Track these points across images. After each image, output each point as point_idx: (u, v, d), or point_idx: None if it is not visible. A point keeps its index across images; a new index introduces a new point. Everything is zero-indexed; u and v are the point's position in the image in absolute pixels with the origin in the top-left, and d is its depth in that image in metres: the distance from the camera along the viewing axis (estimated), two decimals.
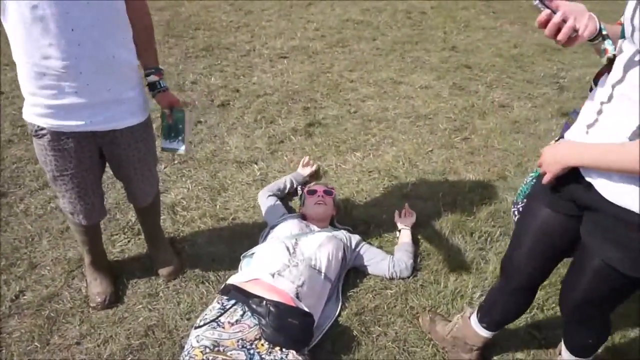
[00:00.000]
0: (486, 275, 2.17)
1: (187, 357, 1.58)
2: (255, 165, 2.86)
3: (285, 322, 1.67)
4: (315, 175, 2.77)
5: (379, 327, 1.94)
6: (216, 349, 1.58)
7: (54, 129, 1.58)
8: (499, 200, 2.65)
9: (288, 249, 1.96)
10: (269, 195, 2.47)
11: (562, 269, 2.18)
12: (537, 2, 1.04)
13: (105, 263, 2.10)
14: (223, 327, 1.66)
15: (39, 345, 1.82)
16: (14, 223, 2.38)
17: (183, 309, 1.98)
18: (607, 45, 1.06)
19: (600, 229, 1.18)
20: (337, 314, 1.96)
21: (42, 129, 1.59)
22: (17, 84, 1.58)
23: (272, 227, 2.20)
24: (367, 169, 2.87)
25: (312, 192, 2.31)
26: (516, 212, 1.78)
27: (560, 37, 1.04)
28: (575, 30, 1.03)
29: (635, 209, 1.07)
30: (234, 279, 1.90)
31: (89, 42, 1.47)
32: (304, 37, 4.71)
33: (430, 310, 2.00)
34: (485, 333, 1.72)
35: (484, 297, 2.05)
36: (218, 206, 2.55)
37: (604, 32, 1.07)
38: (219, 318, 1.70)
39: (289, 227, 2.12)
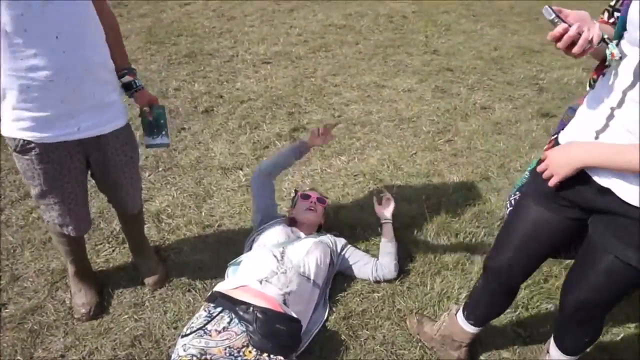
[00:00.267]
0: (472, 276, 2.20)
1: None
2: (241, 171, 2.86)
3: (273, 328, 1.67)
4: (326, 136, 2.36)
5: (366, 330, 1.95)
6: (203, 357, 1.57)
7: (43, 141, 1.55)
8: (483, 201, 2.68)
9: (276, 257, 1.95)
10: (266, 180, 2.32)
11: (545, 267, 2.23)
12: (554, 16, 1.04)
13: (90, 273, 2.08)
14: (210, 335, 1.65)
15: None
16: None
17: (170, 318, 1.96)
18: (613, 49, 1.06)
19: (613, 229, 1.20)
20: (325, 318, 1.97)
21: (29, 143, 1.55)
22: None
23: (258, 233, 2.19)
24: (352, 172, 2.89)
25: (306, 197, 2.30)
26: (508, 205, 1.80)
27: (576, 50, 1.04)
28: (590, 42, 1.04)
29: None
30: (221, 286, 1.89)
31: (72, 48, 1.46)
32: (287, 42, 4.72)
33: (417, 312, 2.02)
34: (471, 329, 1.74)
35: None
36: (203, 213, 2.54)
37: (605, 36, 1.07)
38: (206, 326, 1.69)
39: (276, 234, 2.11)
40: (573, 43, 1.04)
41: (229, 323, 1.70)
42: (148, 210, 2.51)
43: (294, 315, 1.77)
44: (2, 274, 2.13)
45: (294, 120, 3.41)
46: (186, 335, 1.67)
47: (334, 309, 2.03)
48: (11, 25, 1.34)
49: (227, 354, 1.60)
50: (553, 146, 1.32)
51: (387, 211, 2.32)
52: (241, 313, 1.70)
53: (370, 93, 3.83)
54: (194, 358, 1.56)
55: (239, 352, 1.62)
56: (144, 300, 2.05)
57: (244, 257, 2.06)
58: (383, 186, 2.78)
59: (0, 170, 2.78)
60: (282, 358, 1.64)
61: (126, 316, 1.97)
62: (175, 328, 1.92)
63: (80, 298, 1.98)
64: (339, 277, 2.17)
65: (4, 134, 1.57)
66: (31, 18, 1.35)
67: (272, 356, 1.63)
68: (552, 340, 1.66)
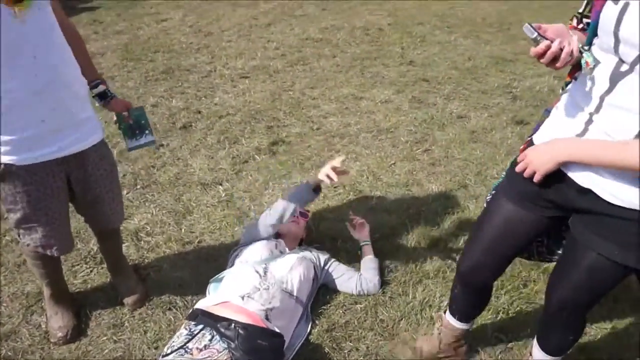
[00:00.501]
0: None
1: None
2: (220, 186, 2.85)
3: (255, 344, 1.65)
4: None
5: (350, 342, 1.95)
6: None
7: (25, 162, 1.53)
8: (462, 209, 2.71)
9: (258, 272, 1.94)
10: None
11: (524, 272, 2.27)
12: (536, 35, 1.08)
13: (67, 295, 2.04)
14: (191, 354, 1.63)
15: None
16: None
17: (150, 338, 1.93)
18: (587, 57, 1.10)
19: (595, 227, 1.23)
20: (308, 331, 1.96)
21: (10, 166, 1.53)
22: None
23: (241, 249, 2.18)
24: (332, 184, 2.90)
25: None
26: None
27: (560, 65, 1.09)
28: (571, 55, 1.08)
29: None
30: (202, 304, 1.86)
31: (49, 67, 1.46)
32: (265, 56, 4.75)
33: (407, 342, 1.96)
34: (463, 325, 1.77)
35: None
36: (183, 230, 2.52)
37: (580, 45, 1.11)
38: (187, 344, 1.66)
39: (259, 250, 2.10)
40: (555, 57, 1.09)
41: (210, 340, 1.67)
42: (126, 228, 2.47)
43: (277, 330, 1.76)
44: None
45: (273, 134, 3.42)
46: (167, 354, 1.64)
47: (316, 321, 2.02)
48: None
49: None
50: (528, 147, 1.34)
51: (363, 234, 2.35)
52: (223, 330, 1.68)
53: (348, 105, 3.87)
54: None
55: None
56: (124, 320, 2.01)
57: (226, 273, 2.04)
58: (363, 197, 2.79)
59: None
60: None
61: (105, 338, 1.93)
62: (156, 348, 1.89)
63: (57, 321, 1.93)
64: (321, 290, 2.16)
65: None
66: (9, 40, 1.35)
67: None
68: (535, 342, 1.68)
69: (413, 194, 2.85)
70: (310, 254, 2.18)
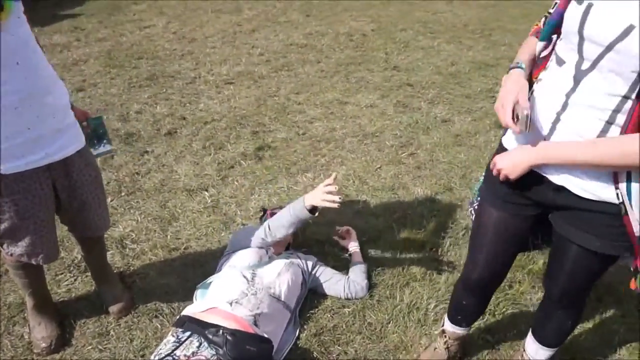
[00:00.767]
0: (439, 286, 2.23)
1: None
2: (206, 192, 2.83)
3: (244, 350, 1.64)
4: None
5: (338, 346, 1.95)
6: None
7: (12, 171, 1.51)
8: (447, 212, 2.74)
9: (246, 278, 1.93)
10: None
11: (509, 274, 2.29)
12: (527, 125, 1.16)
13: (50, 305, 2.00)
14: None
15: None
16: None
17: (136, 346, 1.90)
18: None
19: (573, 221, 1.29)
20: (296, 336, 1.95)
21: None
22: None
23: (230, 254, 2.16)
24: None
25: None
26: (472, 212, 1.86)
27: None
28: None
29: (612, 200, 1.17)
30: (189, 310, 1.85)
31: (32, 73, 1.45)
32: (249, 62, 4.75)
33: None
34: (467, 331, 1.82)
35: (439, 307, 2.12)
36: (169, 236, 2.49)
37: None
38: (175, 352, 1.64)
39: (248, 256, 2.08)
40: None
41: (198, 347, 1.66)
42: (111, 236, 2.44)
43: (265, 336, 1.75)
44: None
45: (259, 139, 3.41)
46: None
47: (305, 326, 2.02)
48: None
49: None
50: (499, 150, 1.41)
51: (352, 242, 2.36)
52: (210, 336, 1.67)
53: (334, 110, 3.89)
54: None
55: None
56: (109, 329, 1.98)
57: (214, 279, 2.03)
58: (349, 201, 2.80)
59: None
60: None
61: (90, 347, 1.90)
62: (142, 356, 1.86)
63: (40, 332, 1.90)
64: (309, 294, 2.16)
65: None
66: None
67: None
68: (529, 338, 1.72)
69: (399, 197, 2.86)
70: (298, 259, 2.17)
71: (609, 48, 1.05)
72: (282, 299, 1.94)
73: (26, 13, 1.46)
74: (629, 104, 1.07)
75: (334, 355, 1.91)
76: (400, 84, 4.38)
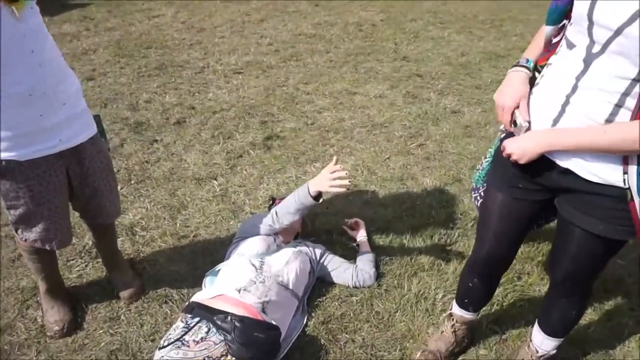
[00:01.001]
0: (447, 276, 2.23)
1: None
2: (215, 181, 2.84)
3: (252, 337, 1.66)
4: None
5: (346, 334, 1.96)
6: None
7: (26, 157, 1.53)
8: (456, 203, 2.73)
9: (254, 266, 1.95)
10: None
11: (517, 265, 2.29)
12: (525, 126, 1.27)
13: (62, 289, 2.03)
14: (188, 346, 1.63)
15: None
16: None
17: (146, 331, 1.93)
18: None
19: (577, 204, 1.29)
20: (304, 324, 1.97)
21: (9, 162, 1.52)
22: None
23: (239, 242, 2.17)
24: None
25: None
26: (478, 197, 1.87)
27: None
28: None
29: (619, 183, 1.17)
30: (198, 296, 1.87)
31: (45, 60, 1.47)
32: (258, 52, 4.74)
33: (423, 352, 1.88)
34: (475, 316, 1.84)
35: (446, 297, 2.12)
36: (178, 224, 2.51)
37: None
38: (184, 337, 1.66)
39: (256, 243, 2.10)
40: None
41: (207, 333, 1.68)
42: (121, 223, 2.46)
43: (273, 323, 1.76)
44: None
45: (267, 129, 3.41)
46: (164, 347, 1.64)
47: (312, 313, 2.03)
48: None
49: None
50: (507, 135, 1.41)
51: (360, 233, 2.37)
52: (219, 322, 1.69)
53: (342, 100, 3.87)
54: None
55: None
56: (120, 314, 2.01)
57: (222, 266, 2.05)
58: (358, 191, 2.80)
59: None
60: None
61: (101, 331, 1.93)
62: (152, 341, 1.89)
63: (53, 315, 1.93)
64: (317, 283, 2.17)
65: None
66: (11, 38, 1.36)
67: None
68: (535, 328, 1.73)
69: (408, 188, 2.86)
70: (306, 248, 2.18)
71: (618, 32, 1.05)
72: (290, 287, 1.96)
73: (37, 3, 1.47)
74: (638, 87, 1.07)
75: (342, 342, 1.92)
76: (409, 75, 4.36)
